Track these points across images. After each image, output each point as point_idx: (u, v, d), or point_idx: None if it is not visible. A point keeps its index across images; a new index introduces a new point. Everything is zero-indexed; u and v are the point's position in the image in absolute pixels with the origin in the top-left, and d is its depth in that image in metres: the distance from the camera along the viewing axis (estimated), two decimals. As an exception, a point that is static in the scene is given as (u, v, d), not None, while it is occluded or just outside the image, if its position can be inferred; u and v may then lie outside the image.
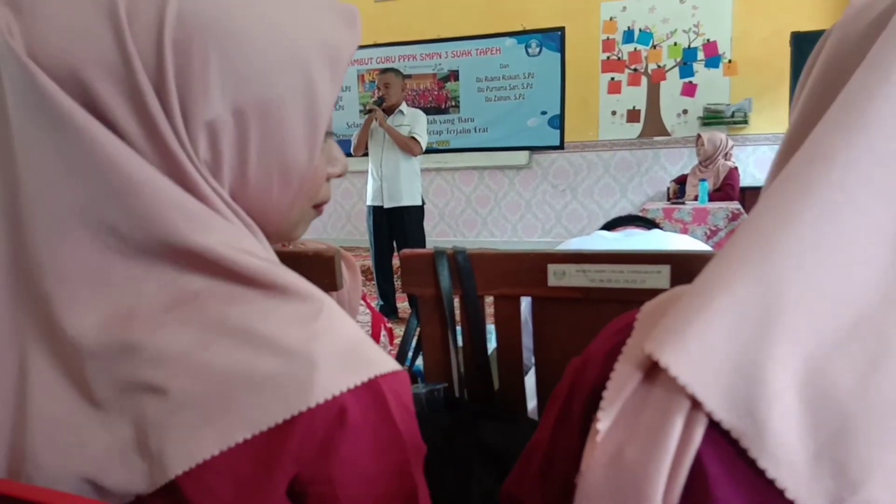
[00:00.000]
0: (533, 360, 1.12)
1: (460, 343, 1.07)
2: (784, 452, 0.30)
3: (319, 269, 0.93)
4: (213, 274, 0.42)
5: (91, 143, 0.40)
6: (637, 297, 0.96)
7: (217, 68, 0.42)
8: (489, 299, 1.04)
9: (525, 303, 1.08)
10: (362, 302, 1.14)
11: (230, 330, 0.41)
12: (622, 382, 0.36)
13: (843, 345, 0.31)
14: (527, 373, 1.16)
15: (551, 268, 0.99)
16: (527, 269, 1.00)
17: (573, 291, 0.98)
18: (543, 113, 5.93)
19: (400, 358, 1.13)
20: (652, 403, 0.35)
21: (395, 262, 4.38)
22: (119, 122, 0.41)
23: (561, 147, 5.94)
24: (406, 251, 1.07)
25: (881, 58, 0.35)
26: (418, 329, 1.09)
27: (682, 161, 5.58)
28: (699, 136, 4.82)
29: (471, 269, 1.02)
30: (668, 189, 5.09)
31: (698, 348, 0.33)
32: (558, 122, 5.91)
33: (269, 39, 0.44)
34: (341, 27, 0.48)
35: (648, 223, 1.36)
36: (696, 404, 0.33)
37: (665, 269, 0.94)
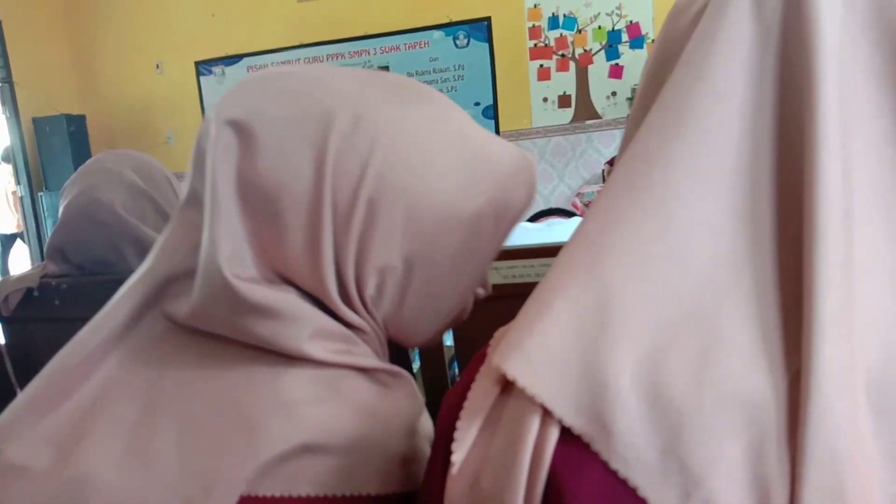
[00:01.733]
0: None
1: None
2: (632, 452, 0.31)
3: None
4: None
5: None
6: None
7: (400, 225, 0.46)
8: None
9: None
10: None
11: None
12: (475, 408, 0.36)
13: (676, 340, 0.32)
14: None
15: (464, 268, 0.99)
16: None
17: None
18: (477, 104, 5.95)
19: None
20: (505, 423, 0.34)
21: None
22: (289, 250, 0.44)
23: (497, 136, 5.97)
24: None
25: (693, 54, 0.36)
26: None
27: (615, 143, 5.68)
28: (628, 118, 4.91)
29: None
30: (603, 171, 5.18)
31: (541, 356, 0.33)
32: (492, 111, 5.94)
33: (451, 201, 0.47)
34: (516, 185, 0.52)
35: (565, 213, 1.38)
36: (546, 415, 0.33)
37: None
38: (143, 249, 1.12)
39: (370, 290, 0.47)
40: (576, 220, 1.34)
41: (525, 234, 1.32)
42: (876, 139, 0.33)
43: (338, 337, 0.47)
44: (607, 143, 5.74)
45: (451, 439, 0.36)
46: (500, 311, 1.00)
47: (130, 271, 1.13)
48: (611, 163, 5.17)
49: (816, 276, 0.30)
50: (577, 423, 0.32)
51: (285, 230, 0.44)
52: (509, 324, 0.44)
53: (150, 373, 0.46)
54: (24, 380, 1.17)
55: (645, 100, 0.43)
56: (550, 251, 0.97)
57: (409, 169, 0.45)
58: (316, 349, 0.45)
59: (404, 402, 0.48)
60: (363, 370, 0.47)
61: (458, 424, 0.36)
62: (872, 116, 0.33)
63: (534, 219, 1.49)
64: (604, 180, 5.05)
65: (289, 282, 0.46)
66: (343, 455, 0.44)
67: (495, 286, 0.99)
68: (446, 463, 0.37)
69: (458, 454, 0.35)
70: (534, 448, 0.32)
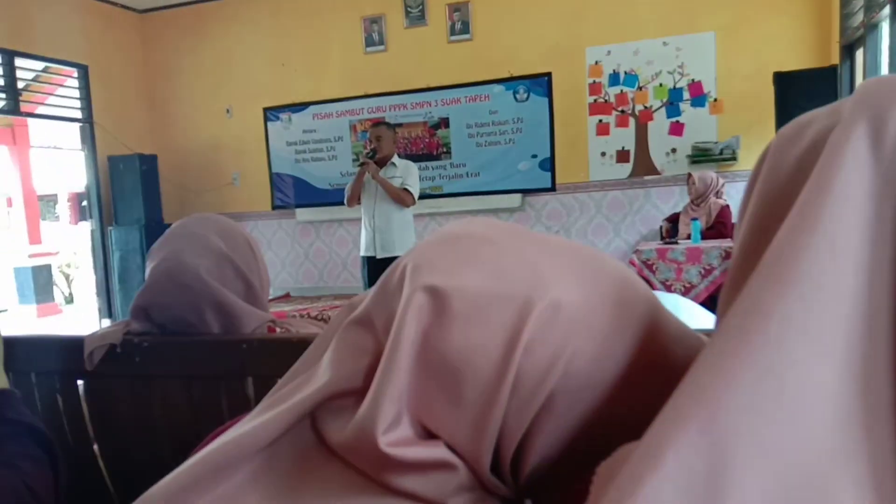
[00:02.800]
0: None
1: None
2: None
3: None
4: None
5: None
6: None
7: (575, 423, 0.45)
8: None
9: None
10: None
11: None
12: None
13: None
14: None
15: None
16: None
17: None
18: (534, 156, 5.99)
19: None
20: None
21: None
22: (456, 421, 0.44)
23: (553, 189, 5.98)
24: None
25: (807, 206, 0.36)
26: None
27: (674, 199, 5.62)
28: (690, 176, 4.86)
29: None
30: (661, 228, 5.12)
31: None
32: (549, 164, 5.97)
33: (622, 391, 0.46)
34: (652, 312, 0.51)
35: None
36: None
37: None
38: (223, 312, 1.16)
39: (526, 470, 0.47)
40: (663, 295, 1.31)
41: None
42: None
43: (478, 487, 0.47)
44: (665, 199, 5.69)
45: None
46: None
47: (209, 333, 1.17)
48: (669, 220, 5.10)
49: None
50: None
51: (458, 402, 0.44)
52: (614, 456, 0.44)
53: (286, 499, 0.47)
54: (100, 431, 1.21)
55: (754, 236, 0.42)
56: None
57: (595, 367, 0.44)
58: (457, 501, 0.45)
59: None
60: None
61: None
62: None
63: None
64: (661, 237, 4.99)
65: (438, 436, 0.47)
66: None
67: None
68: None
69: None
70: None
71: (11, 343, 1.03)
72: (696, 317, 1.14)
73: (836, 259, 0.34)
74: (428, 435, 0.46)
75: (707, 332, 0.48)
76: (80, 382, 1.22)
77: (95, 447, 1.21)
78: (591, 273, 0.48)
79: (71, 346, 1.19)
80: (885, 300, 0.34)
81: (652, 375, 0.47)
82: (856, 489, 0.31)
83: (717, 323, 0.44)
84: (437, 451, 0.45)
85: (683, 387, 0.38)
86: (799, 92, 4.15)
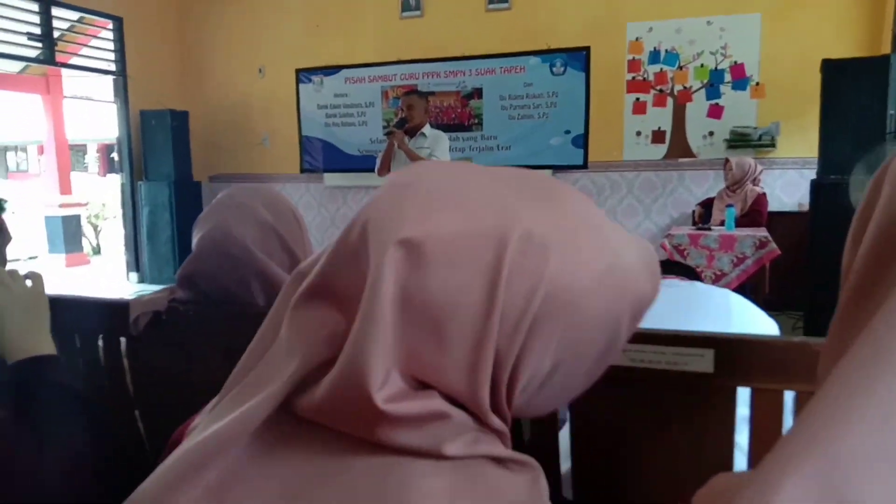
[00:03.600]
0: (567, 415, 1.09)
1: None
2: None
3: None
4: None
5: None
6: (679, 379, 0.94)
7: (556, 339, 0.47)
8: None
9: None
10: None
11: None
12: None
13: None
14: (561, 427, 1.14)
15: (590, 345, 0.97)
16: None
17: (612, 370, 0.95)
18: (567, 132, 5.91)
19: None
20: None
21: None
22: (448, 364, 0.46)
23: (585, 166, 5.91)
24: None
25: None
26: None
27: (708, 183, 5.52)
28: (727, 161, 4.76)
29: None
30: (694, 212, 5.04)
31: None
32: (582, 141, 5.88)
33: (600, 312, 0.49)
34: (648, 280, 0.54)
35: (689, 271, 1.33)
36: None
37: (709, 354, 0.92)
38: (268, 284, 1.15)
39: (516, 395, 0.48)
40: (698, 286, 1.28)
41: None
42: None
43: (471, 428, 0.47)
44: (700, 183, 5.59)
45: None
46: (624, 395, 0.97)
47: (254, 304, 1.16)
48: (702, 204, 5.01)
49: None
50: None
51: (448, 346, 0.45)
52: (709, 488, 0.42)
53: (277, 468, 0.48)
54: (141, 397, 1.22)
55: (873, 273, 0.40)
56: (684, 340, 0.93)
57: (571, 288, 0.46)
58: (454, 448, 0.46)
59: (527, 489, 0.48)
60: (496, 459, 0.48)
61: None
62: None
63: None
64: (694, 223, 4.91)
65: (430, 385, 0.47)
66: None
67: (621, 368, 0.96)
68: None
69: None
70: None
71: (55, 302, 1.03)
72: (755, 320, 1.11)
73: None
74: (419, 386, 0.47)
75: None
76: (122, 346, 1.23)
77: (136, 412, 1.22)
78: (557, 198, 0.50)
79: (116, 309, 1.19)
80: None
81: (618, 289, 0.50)
82: None
83: (829, 347, 0.42)
84: (432, 403, 0.46)
85: (796, 430, 0.36)
86: (848, 81, 4.00)
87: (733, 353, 0.91)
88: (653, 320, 1.01)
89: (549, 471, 1.05)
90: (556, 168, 5.96)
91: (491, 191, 0.48)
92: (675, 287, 1.28)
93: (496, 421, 0.48)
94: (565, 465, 1.09)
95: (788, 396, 0.91)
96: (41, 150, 9.96)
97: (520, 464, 0.49)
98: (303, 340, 0.49)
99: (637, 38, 5.65)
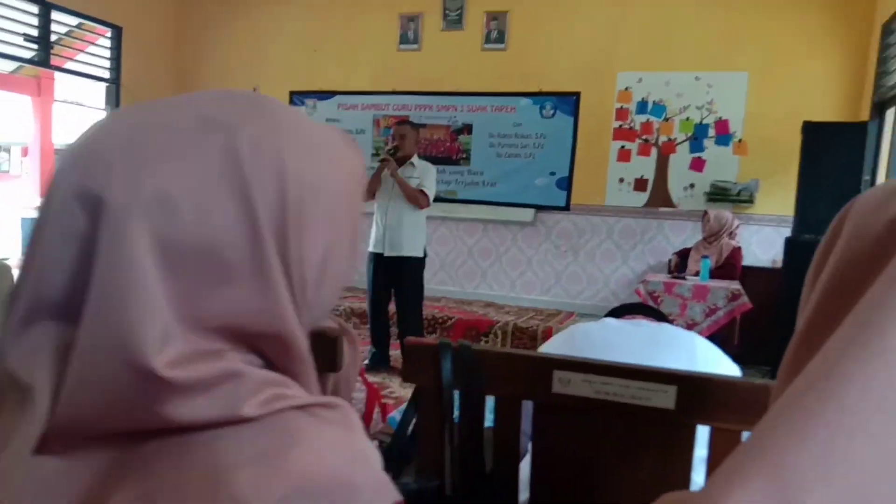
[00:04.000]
0: (529, 447, 1.10)
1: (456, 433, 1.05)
2: None
3: (322, 348, 0.91)
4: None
5: None
6: (641, 414, 0.96)
7: (318, 222, 0.48)
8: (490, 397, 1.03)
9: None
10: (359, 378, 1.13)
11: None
12: None
13: None
14: (522, 457, 1.14)
15: (556, 374, 0.98)
16: (531, 371, 0.99)
17: (577, 401, 0.97)
18: (552, 173, 5.99)
19: (395, 444, 1.10)
20: None
21: (391, 308, 4.36)
22: (237, 295, 0.44)
23: (567, 208, 5.98)
24: (410, 340, 1.05)
25: None
26: (413, 421, 1.07)
27: (686, 234, 5.61)
28: (706, 213, 4.85)
29: (475, 366, 1.01)
30: (671, 261, 5.11)
31: None
32: (566, 183, 5.96)
33: (341, 187, 0.51)
34: (356, 154, 0.56)
35: (660, 315, 1.35)
36: None
37: (672, 390, 0.93)
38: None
39: (309, 290, 0.48)
40: (666, 327, 1.30)
41: (616, 335, 1.27)
42: None
43: (271, 383, 0.45)
44: (678, 233, 5.68)
45: None
46: (586, 421, 0.98)
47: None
48: (679, 254, 5.09)
49: None
50: None
51: (228, 273, 0.43)
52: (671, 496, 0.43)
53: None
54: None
55: (832, 300, 0.42)
56: (649, 375, 0.95)
57: (311, 174, 0.48)
58: (253, 408, 0.43)
59: (342, 432, 0.46)
60: (300, 408, 0.46)
61: None
62: None
63: (617, 313, 1.45)
64: (669, 270, 4.98)
65: (216, 335, 0.45)
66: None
67: (583, 399, 0.97)
68: None
69: None
70: None
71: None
72: (720, 362, 1.13)
73: None
74: (204, 342, 0.43)
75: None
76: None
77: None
78: (261, 103, 0.50)
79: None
80: None
81: (344, 161, 0.52)
82: None
83: (782, 374, 0.44)
84: (221, 363, 0.43)
85: (746, 444, 0.37)
86: (827, 144, 4.14)
87: (696, 390, 0.93)
88: (620, 355, 1.03)
89: (509, 500, 1.06)
90: (539, 207, 6.03)
91: (203, 112, 0.47)
92: (643, 326, 1.30)
93: (300, 347, 0.47)
94: (524, 495, 1.09)
95: (747, 437, 0.93)
96: (25, 152, 9.86)
97: (326, 406, 0.47)
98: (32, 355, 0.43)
99: (627, 88, 5.78)
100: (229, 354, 0.44)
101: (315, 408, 0.46)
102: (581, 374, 0.97)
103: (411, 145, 4.21)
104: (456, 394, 1.03)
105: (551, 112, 5.96)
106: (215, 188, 0.43)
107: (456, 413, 1.04)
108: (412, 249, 4.18)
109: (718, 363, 1.12)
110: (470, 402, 1.02)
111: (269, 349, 0.47)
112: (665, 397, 0.94)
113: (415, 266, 4.22)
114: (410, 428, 1.10)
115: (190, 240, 0.42)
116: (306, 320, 0.49)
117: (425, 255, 4.29)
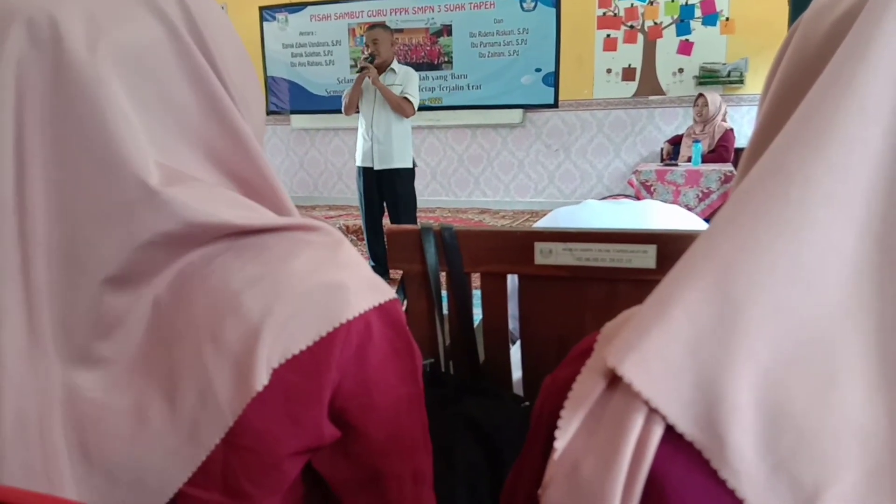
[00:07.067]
0: (518, 331, 1.12)
1: (447, 318, 1.07)
2: (744, 465, 0.32)
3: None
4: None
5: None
6: (623, 276, 0.97)
7: (222, 28, 0.52)
8: (476, 275, 1.04)
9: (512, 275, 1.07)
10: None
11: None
12: (580, 400, 0.37)
13: (798, 362, 0.32)
14: (513, 343, 1.17)
15: (538, 246, 0.98)
16: (514, 246, 1.00)
17: (560, 270, 0.97)
18: (538, 70, 5.85)
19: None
20: (609, 417, 0.36)
21: (387, 221, 4.36)
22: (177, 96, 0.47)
23: (555, 105, 5.87)
24: (391, 227, 1.05)
25: (841, 70, 0.35)
26: (405, 304, 1.09)
27: (677, 121, 5.54)
28: (701, 96, 4.74)
29: (457, 246, 1.02)
30: (662, 150, 5.07)
31: (658, 362, 0.34)
32: (553, 79, 5.83)
33: (228, 22, 0.56)
34: None
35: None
36: (651, 416, 0.34)
37: (651, 249, 0.94)
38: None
39: (236, 88, 0.51)
40: (648, 203, 1.31)
41: (592, 213, 1.29)
42: None
43: (242, 205, 0.48)
44: (669, 121, 5.60)
45: (552, 425, 0.38)
46: (570, 290, 1.00)
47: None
48: (671, 142, 5.04)
49: None
50: (689, 431, 0.33)
51: (168, 78, 0.47)
52: (618, 319, 0.44)
53: None
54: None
55: (780, 104, 0.42)
56: (627, 237, 0.95)
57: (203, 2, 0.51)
58: (231, 215, 0.46)
59: (326, 251, 0.50)
60: (278, 229, 0.49)
61: (563, 413, 0.37)
62: None
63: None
64: (662, 159, 4.94)
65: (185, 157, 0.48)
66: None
67: (567, 267, 0.98)
68: (546, 446, 0.39)
69: (561, 441, 0.36)
70: (637, 444, 0.34)
71: None
72: (702, 225, 1.13)
73: (866, 123, 0.34)
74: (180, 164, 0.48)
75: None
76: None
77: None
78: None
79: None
80: None
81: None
82: (864, 349, 0.32)
83: (739, 176, 0.44)
84: (198, 180, 0.48)
85: (696, 246, 0.38)
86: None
87: (676, 248, 0.94)
88: (602, 226, 1.03)
89: (503, 379, 1.09)
90: (527, 107, 5.92)
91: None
92: (625, 204, 1.31)
93: (256, 147, 0.50)
94: (517, 373, 1.12)
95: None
96: None
97: (308, 229, 0.50)
98: None
99: (608, -28, 5.55)
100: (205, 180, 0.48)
101: (297, 231, 0.50)
102: (561, 243, 0.97)
103: (387, 49, 4.06)
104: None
105: (532, 4, 5.75)
106: (132, 6, 0.47)
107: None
108: (402, 160, 4.11)
109: (701, 224, 1.13)
110: (457, 281, 1.03)
111: (234, 164, 0.50)
112: (645, 257, 0.94)
113: (406, 177, 4.16)
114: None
115: (129, 44, 0.46)
116: (249, 127, 0.51)
117: (415, 166, 4.24)
